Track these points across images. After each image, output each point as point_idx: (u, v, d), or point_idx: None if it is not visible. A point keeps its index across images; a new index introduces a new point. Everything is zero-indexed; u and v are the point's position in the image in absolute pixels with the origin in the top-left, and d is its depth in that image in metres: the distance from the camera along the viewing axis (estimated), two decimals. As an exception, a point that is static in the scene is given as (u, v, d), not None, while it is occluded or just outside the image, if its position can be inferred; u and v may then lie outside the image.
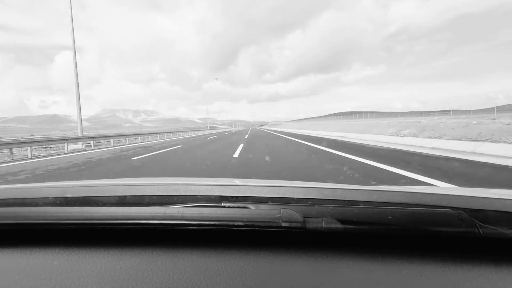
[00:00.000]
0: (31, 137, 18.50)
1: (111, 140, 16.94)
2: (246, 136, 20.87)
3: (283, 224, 0.59)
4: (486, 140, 7.33)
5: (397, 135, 11.47)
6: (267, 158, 7.09)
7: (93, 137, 15.03)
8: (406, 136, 10.85)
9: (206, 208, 0.64)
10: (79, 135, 15.44)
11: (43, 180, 5.13)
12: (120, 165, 6.93)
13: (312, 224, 0.59)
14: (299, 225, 0.59)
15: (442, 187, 0.85)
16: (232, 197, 0.68)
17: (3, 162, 8.76)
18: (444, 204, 0.60)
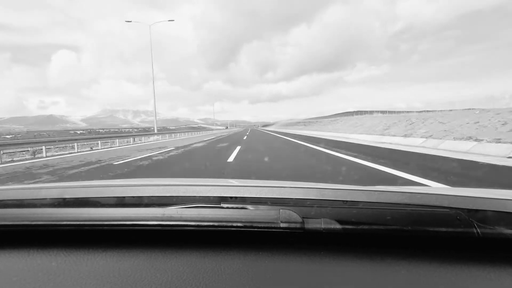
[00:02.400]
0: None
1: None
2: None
3: (282, 225, 0.60)
4: None
5: None
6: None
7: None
8: None
9: (204, 209, 0.66)
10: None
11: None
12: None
13: (311, 224, 0.60)
14: (298, 225, 0.60)
15: (441, 188, 0.99)
16: (231, 197, 0.69)
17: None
18: (442, 204, 0.61)
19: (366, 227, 0.60)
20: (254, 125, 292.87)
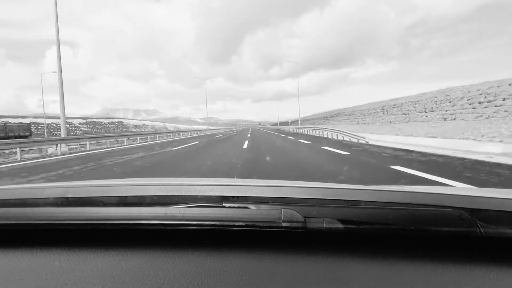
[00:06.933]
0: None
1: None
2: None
3: (284, 224, 0.62)
4: None
5: None
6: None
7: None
8: None
9: (207, 208, 0.68)
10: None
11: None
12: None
13: (313, 224, 0.62)
14: (300, 225, 0.62)
15: (443, 187, 1.00)
16: (233, 197, 0.71)
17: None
18: (445, 204, 0.63)
19: (368, 226, 0.62)
20: (260, 124, 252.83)
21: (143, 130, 53.67)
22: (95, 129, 44.57)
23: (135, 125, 56.98)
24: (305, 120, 65.34)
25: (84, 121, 44.97)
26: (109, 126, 50.00)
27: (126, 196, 0.77)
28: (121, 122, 55.63)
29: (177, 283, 0.53)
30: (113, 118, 54.46)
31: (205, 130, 53.54)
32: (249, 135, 22.26)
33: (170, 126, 76.37)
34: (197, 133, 41.06)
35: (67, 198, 0.77)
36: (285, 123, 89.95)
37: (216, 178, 1.07)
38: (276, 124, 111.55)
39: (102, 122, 49.93)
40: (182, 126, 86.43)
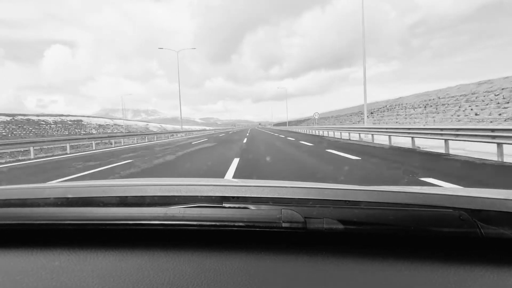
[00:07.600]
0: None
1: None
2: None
3: (284, 225, 0.62)
4: None
5: None
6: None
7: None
8: None
9: (207, 209, 0.68)
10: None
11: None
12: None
13: (313, 224, 0.62)
14: (300, 225, 0.62)
15: (444, 187, 1.05)
16: (233, 197, 0.71)
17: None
18: (445, 204, 0.63)
19: (368, 227, 0.62)
20: (260, 124, 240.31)
21: (108, 131, 37.37)
22: (24, 131, 28.32)
23: (100, 125, 40.31)
24: (319, 119, 48.88)
25: (9, 119, 28.17)
26: (54, 126, 32.98)
27: (126, 196, 0.77)
28: (79, 121, 38.82)
29: (177, 283, 0.53)
30: (67, 115, 38.41)
31: (188, 131, 38.33)
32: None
33: (154, 127, 60.04)
34: (185, 134, 34.26)
35: (67, 198, 0.76)
36: (294, 122, 65.57)
37: (216, 179, 1.08)
38: (284, 124, 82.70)
39: (45, 121, 33.14)
40: (169, 127, 70.65)
